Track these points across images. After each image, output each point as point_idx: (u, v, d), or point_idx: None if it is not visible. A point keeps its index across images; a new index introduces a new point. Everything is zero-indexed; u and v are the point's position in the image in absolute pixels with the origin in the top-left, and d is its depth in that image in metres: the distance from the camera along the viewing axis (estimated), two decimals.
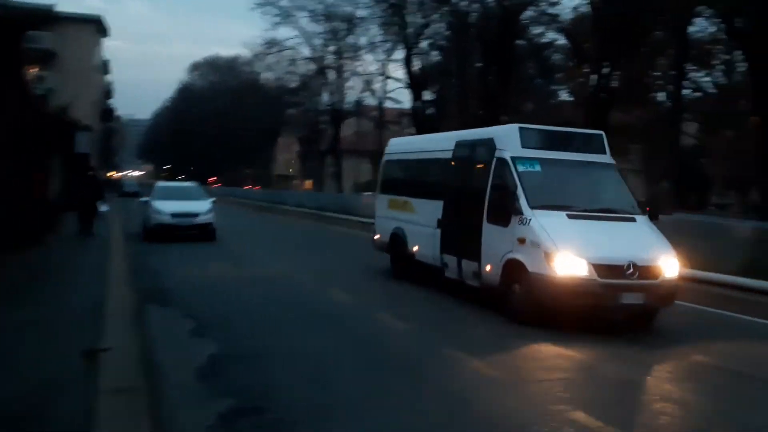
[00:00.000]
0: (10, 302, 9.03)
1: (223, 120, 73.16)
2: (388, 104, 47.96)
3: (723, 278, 12.37)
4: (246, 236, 24.12)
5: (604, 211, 9.82)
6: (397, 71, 70.05)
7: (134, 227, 21.57)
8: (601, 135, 10.95)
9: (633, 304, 9.06)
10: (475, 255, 10.31)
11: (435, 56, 42.05)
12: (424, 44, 40.38)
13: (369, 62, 67.57)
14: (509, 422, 5.74)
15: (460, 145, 11.65)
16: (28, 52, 48.55)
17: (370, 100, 49.36)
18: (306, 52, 49.83)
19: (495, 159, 10.22)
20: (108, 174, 76.86)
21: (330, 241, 23.94)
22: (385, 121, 48.94)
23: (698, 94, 37.04)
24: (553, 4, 31.84)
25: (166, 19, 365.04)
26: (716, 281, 12.45)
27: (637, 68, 32.59)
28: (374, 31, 42.49)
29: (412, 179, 13.53)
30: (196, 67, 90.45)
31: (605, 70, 29.63)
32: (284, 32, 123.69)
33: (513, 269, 9.47)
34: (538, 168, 9.94)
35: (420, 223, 12.36)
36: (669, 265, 9.24)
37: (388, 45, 42.44)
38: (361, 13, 42.31)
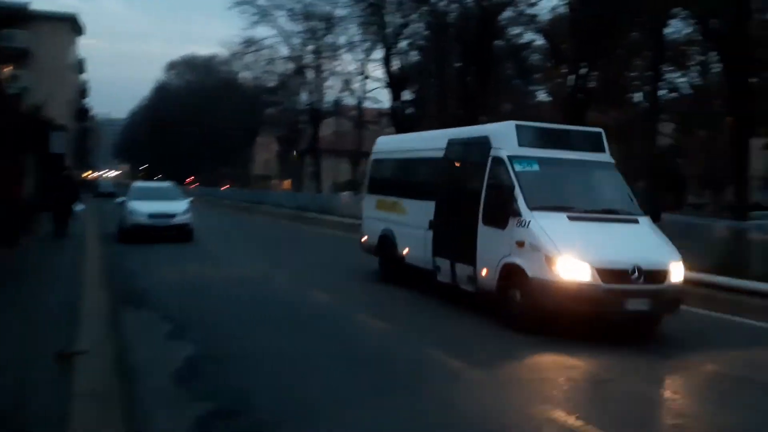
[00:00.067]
0: None
1: (201, 119, 72.58)
2: (368, 104, 47.77)
3: (701, 277, 12.40)
4: (224, 237, 23.92)
5: (606, 213, 9.39)
6: (376, 71, 69.85)
7: (110, 228, 21.31)
8: (600, 133, 10.59)
9: (638, 310, 8.63)
10: (470, 258, 9.83)
11: (414, 56, 42.01)
12: (403, 44, 40.30)
13: (348, 62, 66.94)
14: None
15: (452, 143, 11.15)
16: (2, 50, 48.32)
17: (349, 100, 49.16)
18: (284, 51, 49.48)
19: (491, 158, 9.76)
20: (84, 174, 76.01)
21: (309, 241, 23.80)
22: (364, 121, 48.82)
23: (674, 94, 37.32)
24: (532, 5, 31.99)
25: (142, 17, 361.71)
26: (696, 280, 12.49)
27: (614, 69, 32.80)
28: (353, 31, 42.33)
29: (402, 179, 12.90)
30: (172, 66, 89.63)
31: (583, 71, 29.79)
32: (262, 31, 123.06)
33: (511, 273, 9.00)
34: (536, 167, 9.47)
35: (410, 225, 11.83)
36: (675, 269, 8.82)
37: (367, 44, 42.31)
38: (339, 12, 42.19)
